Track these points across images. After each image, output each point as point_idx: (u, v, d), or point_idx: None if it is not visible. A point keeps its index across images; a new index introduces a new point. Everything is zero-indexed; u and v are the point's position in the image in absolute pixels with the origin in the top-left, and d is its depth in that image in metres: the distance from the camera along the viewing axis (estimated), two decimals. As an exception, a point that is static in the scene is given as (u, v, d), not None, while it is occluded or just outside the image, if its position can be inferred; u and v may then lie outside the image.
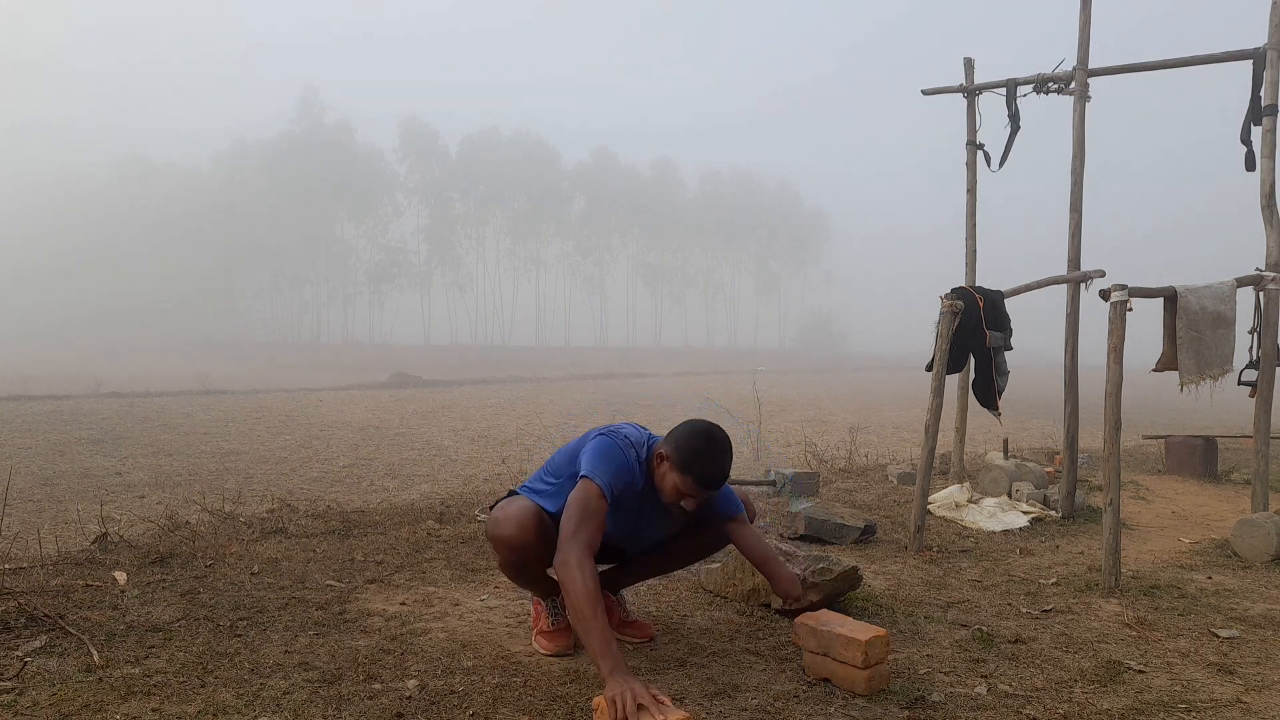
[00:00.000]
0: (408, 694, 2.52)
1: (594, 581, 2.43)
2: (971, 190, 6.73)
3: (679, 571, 3.96)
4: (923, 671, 2.84)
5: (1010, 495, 5.96)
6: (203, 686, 2.53)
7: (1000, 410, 5.25)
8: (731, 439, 2.74)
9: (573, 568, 2.44)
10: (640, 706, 2.17)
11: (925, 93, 7.01)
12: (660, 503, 2.81)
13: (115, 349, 54.26)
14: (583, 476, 2.64)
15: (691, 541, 3.10)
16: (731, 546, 3.10)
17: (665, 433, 2.81)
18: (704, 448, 2.66)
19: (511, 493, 2.99)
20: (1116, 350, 4.15)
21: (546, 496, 2.83)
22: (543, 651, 2.92)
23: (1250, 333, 5.04)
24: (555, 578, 2.66)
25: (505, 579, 3.56)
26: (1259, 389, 5.02)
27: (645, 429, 2.93)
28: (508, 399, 22.78)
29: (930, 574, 4.17)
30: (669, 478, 2.69)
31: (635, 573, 3.23)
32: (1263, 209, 5.09)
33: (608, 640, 2.34)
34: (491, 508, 2.95)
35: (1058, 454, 7.15)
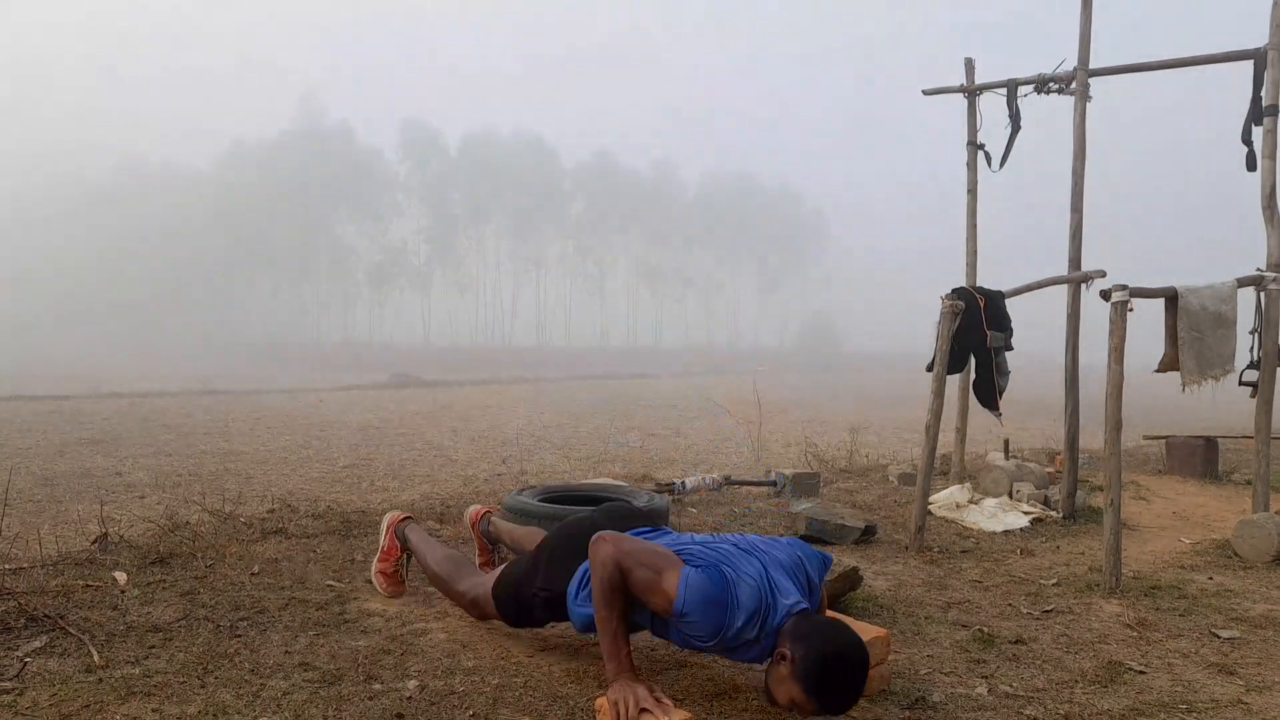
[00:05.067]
0: (408, 694, 2.52)
1: (622, 586, 2.32)
2: (972, 190, 6.73)
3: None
4: (923, 672, 2.84)
5: (1011, 496, 5.96)
6: (203, 686, 2.53)
7: (1001, 410, 5.25)
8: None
9: (610, 564, 2.32)
10: (643, 710, 2.15)
11: (926, 93, 7.01)
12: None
13: (115, 349, 54.24)
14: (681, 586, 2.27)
15: None
16: None
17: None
18: (838, 672, 2.15)
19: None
20: (1117, 350, 4.15)
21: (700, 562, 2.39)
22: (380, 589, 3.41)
23: (1251, 333, 5.04)
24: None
25: None
26: (1259, 389, 5.02)
27: (799, 562, 2.46)
28: (508, 399, 22.79)
29: (931, 574, 4.17)
30: (786, 686, 2.20)
31: None
32: (1263, 209, 5.09)
33: (619, 643, 2.30)
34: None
35: (1058, 454, 7.14)
